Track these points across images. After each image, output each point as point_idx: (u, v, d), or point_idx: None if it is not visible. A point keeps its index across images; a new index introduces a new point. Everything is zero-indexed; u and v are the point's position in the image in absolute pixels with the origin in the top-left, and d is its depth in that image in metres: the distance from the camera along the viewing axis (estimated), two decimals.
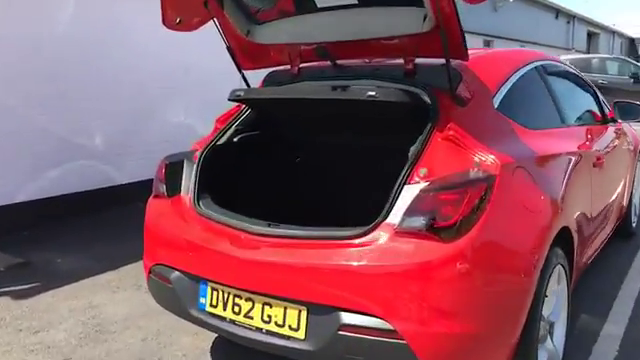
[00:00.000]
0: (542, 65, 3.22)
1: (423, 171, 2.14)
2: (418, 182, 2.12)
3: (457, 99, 2.40)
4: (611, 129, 3.99)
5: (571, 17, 26.29)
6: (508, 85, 2.71)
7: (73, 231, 5.18)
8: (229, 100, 2.78)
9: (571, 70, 3.85)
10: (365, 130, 2.84)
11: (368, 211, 2.21)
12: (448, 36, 2.23)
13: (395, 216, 2.08)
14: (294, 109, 2.88)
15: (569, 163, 2.82)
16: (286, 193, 3.12)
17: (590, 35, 29.64)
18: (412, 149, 2.25)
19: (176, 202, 2.68)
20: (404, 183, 2.13)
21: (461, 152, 2.20)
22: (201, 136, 2.98)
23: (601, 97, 4.12)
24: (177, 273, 2.52)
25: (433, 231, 2.00)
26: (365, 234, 2.10)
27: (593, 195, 3.18)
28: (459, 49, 2.29)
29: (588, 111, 3.89)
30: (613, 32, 32.83)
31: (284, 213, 2.59)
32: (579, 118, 3.61)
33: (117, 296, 3.82)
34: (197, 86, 6.59)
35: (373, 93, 2.28)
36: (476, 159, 2.17)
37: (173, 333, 3.21)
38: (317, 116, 2.87)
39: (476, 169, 2.13)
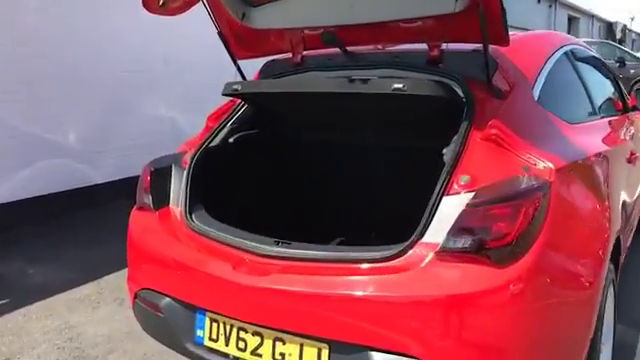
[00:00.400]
0: (571, 50, 2.89)
1: (464, 179, 1.79)
2: (459, 192, 1.77)
3: (494, 91, 2.06)
4: (632, 118, 3.69)
5: (553, 1, 26.12)
6: (545, 73, 2.37)
7: (47, 237, 4.74)
8: (224, 95, 2.40)
9: (594, 54, 3.53)
10: (385, 128, 2.48)
11: (394, 226, 1.87)
12: (487, 17, 1.87)
13: (435, 234, 1.73)
14: (300, 104, 2.50)
15: (611, 162, 2.50)
16: (293, 203, 2.75)
17: (570, 19, 29.57)
18: (447, 151, 1.90)
19: (164, 215, 2.30)
20: (442, 193, 1.78)
21: (505, 155, 1.87)
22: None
23: (620, 83, 3.82)
24: (168, 300, 2.15)
25: (484, 253, 1.66)
26: (399, 255, 1.75)
27: (628, 193, 2.87)
28: (499, 32, 1.94)
29: (610, 99, 3.58)
30: (592, 16, 32.81)
31: (292, 227, 2.23)
32: (607, 108, 3.30)
33: (97, 313, 3.42)
34: (179, 77, 6.16)
35: (400, 85, 1.92)
36: (524, 163, 1.83)
37: (163, 357, 2.84)
38: (327, 112, 2.49)
39: (526, 175, 1.79)
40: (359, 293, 1.73)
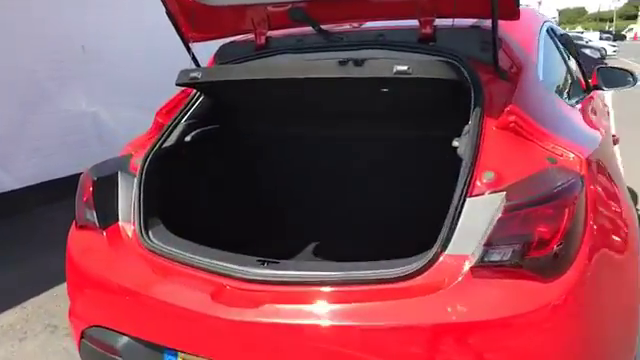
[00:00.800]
0: (551, 27, 2.69)
1: (488, 176, 1.52)
2: (483, 193, 1.50)
3: (501, 72, 1.80)
4: (596, 98, 3.58)
5: None
6: (541, 51, 2.15)
7: None
8: (179, 84, 2.00)
9: (564, 32, 3.38)
10: (372, 118, 2.16)
11: (378, 228, 1.57)
12: None
13: (462, 245, 1.45)
14: (271, 94, 2.13)
15: (610, 146, 2.32)
16: (263, 210, 2.38)
17: None
18: (461, 143, 1.63)
19: (113, 235, 1.89)
20: (465, 194, 1.49)
21: (527, 145, 1.62)
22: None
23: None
24: (127, 340, 1.75)
25: (526, 264, 1.39)
26: (421, 272, 1.45)
27: None
28: (509, 4, 1.68)
29: (578, 78, 3.44)
30: None
31: (265, 238, 1.88)
32: (580, 88, 3.14)
33: (26, 345, 2.93)
34: (104, 67, 5.57)
35: (404, 68, 1.61)
36: (549, 154, 1.60)
37: None
38: (304, 102, 2.14)
39: (555, 168, 1.55)
40: (383, 323, 1.41)
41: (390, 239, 1.77)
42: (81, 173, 2.02)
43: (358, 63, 1.68)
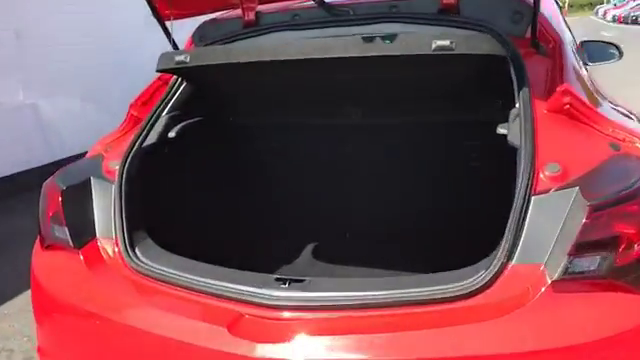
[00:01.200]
0: None
1: (554, 168, 1.30)
2: (549, 189, 1.28)
3: (539, 47, 1.60)
4: None
5: None
6: (564, 22, 1.95)
7: None
8: (161, 71, 1.70)
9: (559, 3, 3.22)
10: (392, 102, 1.91)
11: (428, 237, 1.34)
12: None
13: (532, 253, 1.23)
14: (272, 77, 1.82)
15: None
16: (270, 214, 2.09)
17: None
18: (510, 131, 1.43)
19: (90, 254, 1.56)
20: (529, 192, 1.27)
21: (584, 130, 1.45)
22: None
23: None
24: None
25: (617, 274, 1.18)
26: (486, 288, 1.22)
27: None
28: None
29: None
30: None
31: (279, 252, 1.61)
32: None
33: None
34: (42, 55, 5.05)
35: (446, 43, 1.38)
36: (610, 139, 1.42)
37: None
38: (306, 87, 1.86)
39: (621, 155, 1.35)
40: (451, 355, 1.17)
41: (421, 243, 1.53)
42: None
43: (388, 39, 1.42)
